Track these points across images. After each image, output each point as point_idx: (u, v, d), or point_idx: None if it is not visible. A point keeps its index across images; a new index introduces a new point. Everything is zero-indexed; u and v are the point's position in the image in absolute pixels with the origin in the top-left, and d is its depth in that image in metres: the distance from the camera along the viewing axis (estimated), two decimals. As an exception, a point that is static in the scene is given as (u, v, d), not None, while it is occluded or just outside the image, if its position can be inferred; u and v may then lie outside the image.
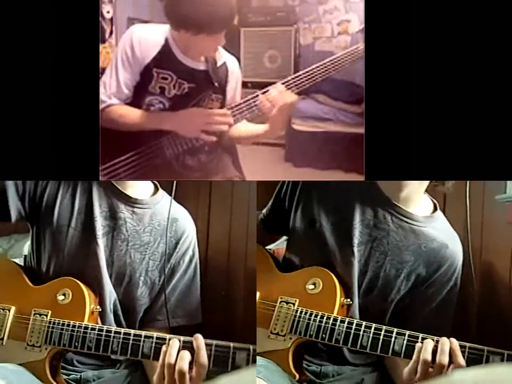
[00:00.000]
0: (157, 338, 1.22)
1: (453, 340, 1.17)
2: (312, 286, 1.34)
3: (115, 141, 1.56)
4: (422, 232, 1.35)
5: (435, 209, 1.40)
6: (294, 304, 1.33)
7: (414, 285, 1.35)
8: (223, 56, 1.61)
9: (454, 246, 1.36)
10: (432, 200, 1.41)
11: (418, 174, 1.54)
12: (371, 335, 1.24)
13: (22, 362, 1.30)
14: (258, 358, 1.28)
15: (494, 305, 1.46)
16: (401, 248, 1.34)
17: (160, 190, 1.48)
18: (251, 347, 1.18)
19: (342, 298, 1.32)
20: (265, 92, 1.53)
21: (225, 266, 1.68)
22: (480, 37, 1.50)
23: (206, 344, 1.19)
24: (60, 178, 1.47)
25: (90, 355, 1.40)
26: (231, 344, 1.19)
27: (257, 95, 1.52)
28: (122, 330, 1.26)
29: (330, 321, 1.28)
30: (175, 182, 1.45)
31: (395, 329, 1.23)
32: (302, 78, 1.53)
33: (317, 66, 1.54)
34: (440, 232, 1.36)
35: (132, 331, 1.25)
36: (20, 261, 1.52)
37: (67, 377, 1.38)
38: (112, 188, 1.41)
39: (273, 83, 1.58)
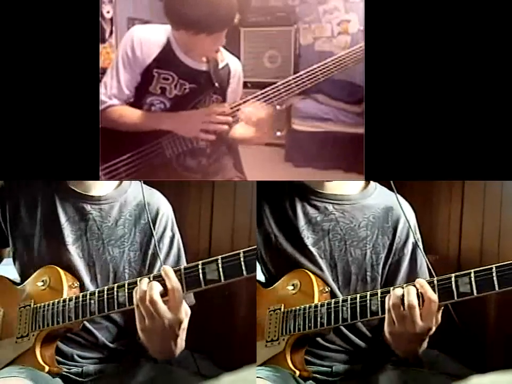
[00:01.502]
0: (129, 284, 1.26)
1: (418, 279, 1.22)
2: (292, 287, 1.39)
3: (115, 141, 1.56)
4: (364, 206, 1.41)
5: (367, 182, 1.45)
6: (280, 309, 1.38)
7: (386, 255, 1.40)
8: (226, 58, 1.61)
9: (397, 206, 1.40)
10: None
11: (418, 174, 1.54)
12: (349, 306, 1.29)
13: (14, 356, 1.34)
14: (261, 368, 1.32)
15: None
16: (354, 228, 1.39)
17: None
18: (219, 258, 1.22)
19: (320, 288, 1.37)
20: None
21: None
22: (480, 35, 1.50)
23: (175, 271, 1.22)
24: (60, 178, 1.47)
25: (91, 348, 1.41)
26: (199, 263, 1.23)
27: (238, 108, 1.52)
28: (97, 290, 1.31)
29: (312, 309, 1.33)
30: (141, 181, 1.46)
31: (368, 293, 1.29)
32: (303, 78, 1.53)
33: (319, 66, 1.54)
34: (380, 199, 1.42)
35: (105, 287, 1.29)
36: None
37: (68, 370, 1.38)
38: (73, 192, 1.42)
39: (273, 83, 1.58)
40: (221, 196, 1.71)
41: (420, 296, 1.20)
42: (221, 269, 1.21)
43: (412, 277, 1.38)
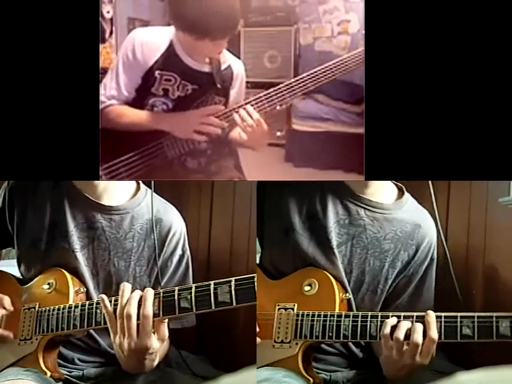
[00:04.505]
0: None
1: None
2: (309, 287, 1.33)
3: (116, 141, 1.56)
4: (395, 219, 1.37)
5: (401, 192, 1.42)
6: (293, 309, 1.31)
7: (400, 270, 1.37)
8: (228, 60, 1.60)
9: (425, 224, 1.38)
10: (395, 184, 1.43)
11: (418, 174, 1.53)
12: (379, 323, 1.23)
13: (16, 359, 1.31)
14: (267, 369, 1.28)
15: (498, 309, 1.46)
16: (379, 239, 1.35)
17: (142, 189, 1.44)
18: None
19: (341, 294, 1.32)
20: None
21: (227, 266, 1.68)
22: (479, 36, 1.50)
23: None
24: (60, 178, 1.47)
25: (92, 353, 1.40)
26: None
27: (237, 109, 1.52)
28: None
29: (335, 318, 1.27)
30: (153, 181, 1.42)
31: (402, 314, 1.22)
32: (306, 80, 1.53)
33: (321, 69, 1.53)
34: (410, 214, 1.38)
35: (113, 298, 1.25)
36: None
37: (69, 373, 1.37)
38: (84, 199, 1.38)
39: (274, 83, 1.57)
40: (221, 195, 1.70)
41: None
42: (233, 292, 1.15)
43: (417, 295, 1.37)
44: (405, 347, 1.19)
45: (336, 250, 1.34)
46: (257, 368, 1.28)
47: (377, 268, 1.35)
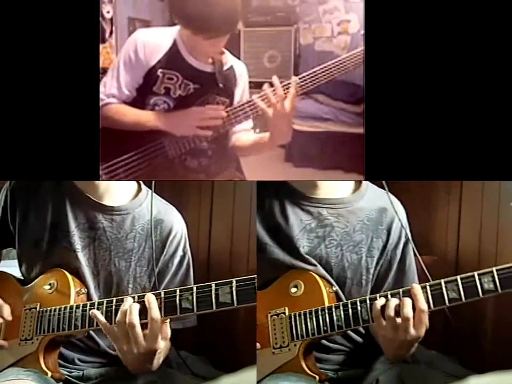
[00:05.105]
0: (139, 297, 1.23)
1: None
2: (295, 289, 1.34)
3: (116, 141, 1.56)
4: (358, 209, 1.37)
5: (359, 182, 1.42)
6: (284, 313, 1.33)
7: (378, 257, 1.38)
8: (230, 60, 1.60)
9: (391, 206, 1.39)
10: None
11: (418, 174, 1.54)
12: (368, 306, 1.26)
13: (17, 359, 1.31)
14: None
15: (509, 311, 1.46)
16: (349, 233, 1.36)
17: (144, 190, 1.44)
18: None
19: (327, 288, 1.33)
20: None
21: (227, 266, 1.68)
22: (479, 37, 1.50)
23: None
24: (60, 178, 1.47)
25: (92, 353, 1.40)
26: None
27: (252, 100, 1.51)
28: (105, 300, 1.28)
29: (326, 312, 1.29)
30: (153, 181, 1.43)
31: (389, 292, 1.25)
32: (305, 80, 1.52)
33: (320, 69, 1.53)
34: (373, 201, 1.39)
35: (114, 298, 1.27)
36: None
37: (69, 374, 1.37)
38: (85, 199, 1.39)
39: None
40: (221, 196, 1.71)
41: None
42: (234, 292, 1.17)
43: (400, 276, 1.38)
44: (398, 323, 1.20)
45: (309, 256, 1.35)
46: (263, 379, 1.29)
47: (356, 262, 1.36)
